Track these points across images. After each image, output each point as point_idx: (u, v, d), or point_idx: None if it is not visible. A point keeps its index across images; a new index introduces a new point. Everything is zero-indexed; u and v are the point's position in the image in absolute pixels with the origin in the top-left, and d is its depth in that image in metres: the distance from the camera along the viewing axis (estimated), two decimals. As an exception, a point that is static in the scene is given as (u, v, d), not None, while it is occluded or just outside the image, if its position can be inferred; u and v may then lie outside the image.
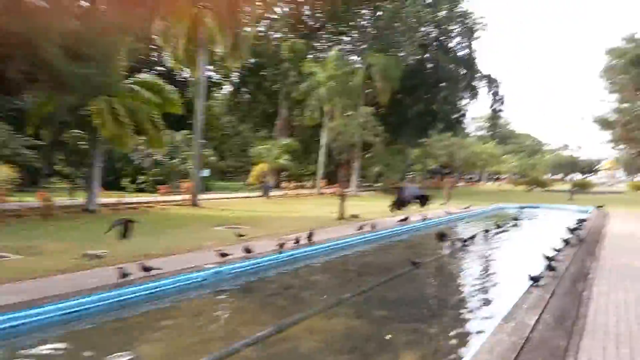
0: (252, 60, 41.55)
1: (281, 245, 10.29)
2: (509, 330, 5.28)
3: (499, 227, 16.06)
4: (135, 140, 22.19)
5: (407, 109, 42.40)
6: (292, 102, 37.69)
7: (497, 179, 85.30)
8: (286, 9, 41.39)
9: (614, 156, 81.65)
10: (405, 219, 16.53)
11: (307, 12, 41.85)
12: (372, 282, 8.67)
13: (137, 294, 7.01)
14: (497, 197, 35.74)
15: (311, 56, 38.23)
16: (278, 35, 42.01)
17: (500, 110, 52.07)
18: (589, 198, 34.86)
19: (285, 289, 8.49)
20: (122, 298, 6.81)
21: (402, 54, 38.97)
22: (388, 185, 46.13)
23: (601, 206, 23.50)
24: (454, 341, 5.96)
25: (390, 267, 9.97)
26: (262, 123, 48.22)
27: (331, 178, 38.87)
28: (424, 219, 17.51)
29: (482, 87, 49.03)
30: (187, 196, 23.32)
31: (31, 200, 18.90)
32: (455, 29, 46.17)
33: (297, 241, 11.01)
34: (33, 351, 5.33)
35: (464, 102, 49.32)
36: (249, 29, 30.64)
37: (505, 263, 11.53)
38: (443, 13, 44.15)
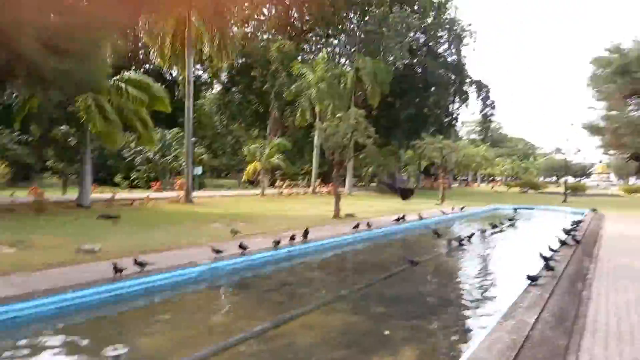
0: (241, 61, 41.57)
1: (277, 243, 10.20)
2: (508, 328, 5.23)
3: (495, 227, 16.06)
4: (126, 137, 22.02)
5: (398, 112, 42.84)
6: (283, 103, 37.73)
7: (492, 180, 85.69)
8: (273, 11, 41.49)
9: (604, 161, 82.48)
10: (401, 218, 16.50)
11: (295, 15, 41.92)
12: (369, 280, 8.61)
13: (132, 289, 6.92)
14: (491, 198, 35.87)
15: (300, 58, 38.37)
16: (266, 36, 42.07)
17: (491, 115, 52.58)
18: (582, 200, 35.06)
19: (282, 285, 8.41)
20: (116, 293, 6.71)
21: (391, 58, 39.29)
22: (378, 182, 46.56)
23: (595, 210, 23.62)
24: (453, 338, 5.90)
25: (386, 266, 9.91)
26: (254, 122, 48.37)
27: (325, 177, 38.89)
28: (420, 219, 17.49)
29: (472, 93, 49.71)
30: (181, 193, 23.16)
31: (24, 195, 18.70)
32: (444, 35, 46.90)
33: (292, 238, 10.93)
34: (26, 342, 5.23)
35: (455, 106, 49.86)
36: (235, 29, 30.57)
37: (503, 262, 11.51)
38: (430, 19, 44.69)
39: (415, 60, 45.31)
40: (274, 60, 37.60)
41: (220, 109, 48.02)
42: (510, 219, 19.76)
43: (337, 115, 20.80)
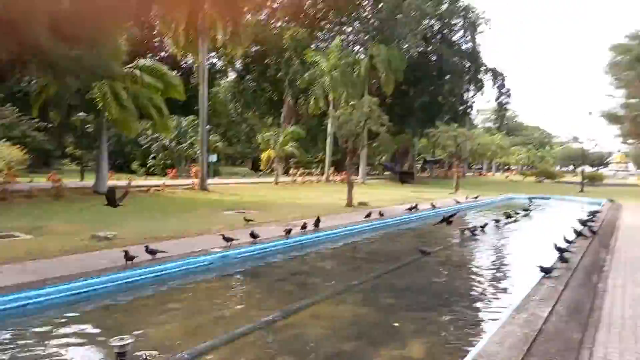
0: (255, 48, 41.44)
1: (288, 232, 10.21)
2: (520, 321, 5.16)
3: (509, 217, 15.85)
4: (142, 124, 22.11)
5: (412, 100, 42.48)
6: (297, 90, 37.62)
7: (508, 169, 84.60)
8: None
9: (622, 150, 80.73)
10: (414, 207, 16.40)
11: (308, 2, 41.54)
12: (380, 270, 8.58)
13: (144, 277, 7.00)
14: (506, 187, 35.47)
15: (314, 46, 38.10)
16: (280, 23, 41.81)
17: (507, 103, 51.73)
18: (600, 190, 34.44)
19: (292, 274, 8.43)
20: (129, 280, 6.80)
21: (405, 46, 38.82)
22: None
23: (612, 200, 23.20)
24: (463, 331, 5.85)
25: (398, 256, 9.87)
26: (268, 110, 48.43)
27: (339, 166, 38.82)
28: (433, 208, 17.37)
29: (487, 80, 48.93)
30: (196, 180, 23.33)
31: (42, 181, 19.00)
32: (459, 22, 46.13)
33: (304, 227, 10.95)
34: (38, 331, 5.32)
35: (470, 94, 49.18)
36: (249, 17, 30.36)
37: (516, 253, 11.38)
38: (444, 7, 43.92)
39: (429, 48, 44.81)
40: (287, 48, 37.50)
41: (235, 97, 48.17)
42: (525, 209, 19.51)
43: (350, 103, 20.69)
